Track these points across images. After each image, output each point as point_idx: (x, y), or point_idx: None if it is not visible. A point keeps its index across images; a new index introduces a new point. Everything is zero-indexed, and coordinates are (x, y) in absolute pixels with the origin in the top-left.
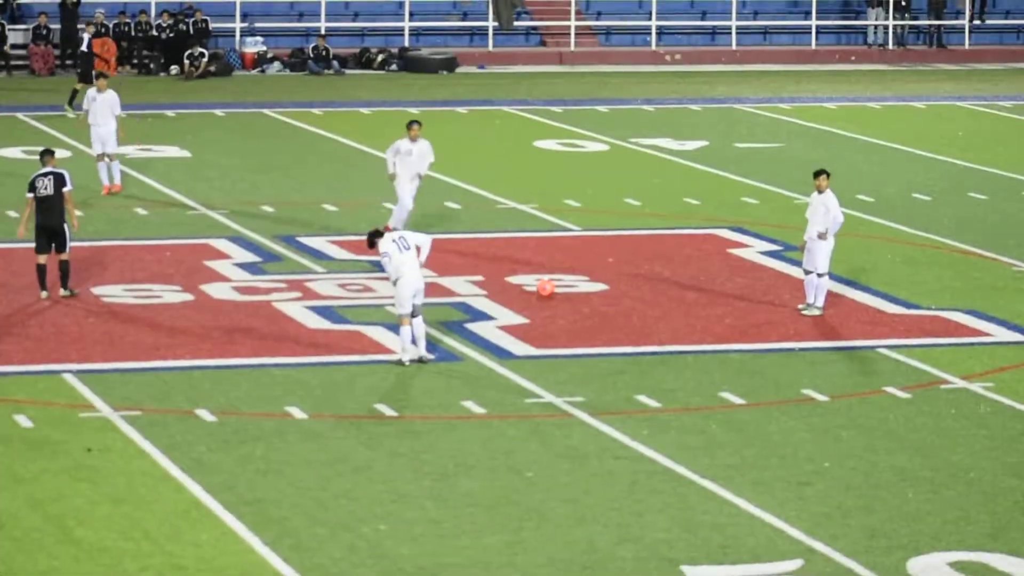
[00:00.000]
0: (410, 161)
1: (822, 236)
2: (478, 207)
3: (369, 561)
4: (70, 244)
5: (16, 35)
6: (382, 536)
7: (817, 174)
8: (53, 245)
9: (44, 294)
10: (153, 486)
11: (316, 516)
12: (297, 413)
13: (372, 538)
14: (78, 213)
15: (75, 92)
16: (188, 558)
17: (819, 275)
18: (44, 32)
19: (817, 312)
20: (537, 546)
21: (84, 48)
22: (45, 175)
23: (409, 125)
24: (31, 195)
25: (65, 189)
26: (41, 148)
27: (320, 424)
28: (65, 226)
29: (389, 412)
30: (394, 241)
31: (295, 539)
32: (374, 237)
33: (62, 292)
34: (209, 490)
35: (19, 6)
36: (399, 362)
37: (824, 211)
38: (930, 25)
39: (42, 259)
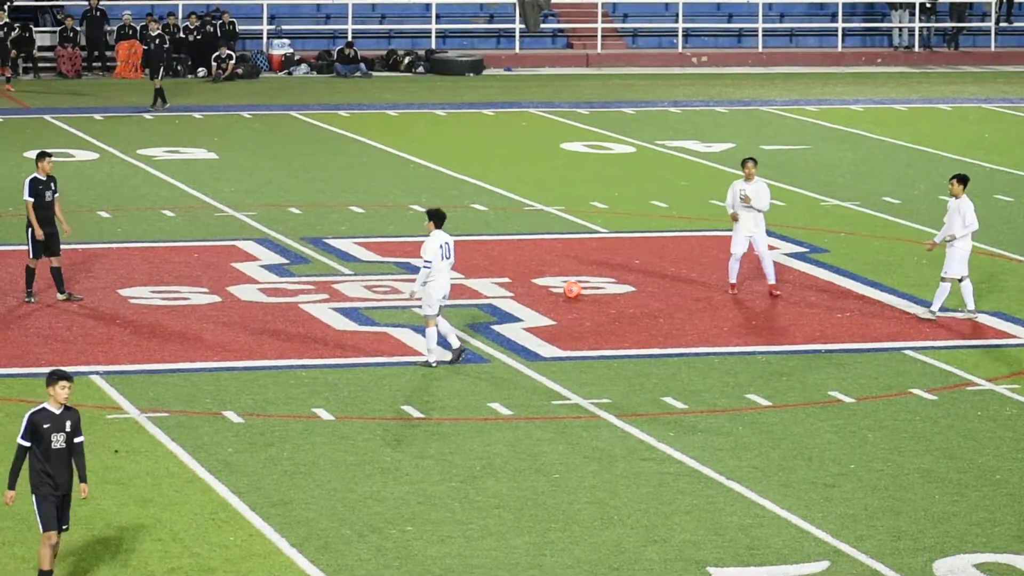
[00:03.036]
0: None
1: (949, 241)
2: (505, 209)
3: (396, 563)
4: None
5: (43, 37)
6: (409, 537)
7: (952, 179)
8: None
9: (34, 298)
10: (180, 488)
11: (343, 517)
12: (324, 415)
13: (399, 540)
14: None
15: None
16: (215, 559)
17: (959, 280)
18: (71, 34)
19: (969, 315)
20: (564, 548)
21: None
22: (47, 181)
23: (744, 163)
24: (31, 199)
25: (55, 195)
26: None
27: (347, 426)
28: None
29: (416, 414)
30: (440, 246)
31: (322, 540)
32: (436, 217)
33: (61, 296)
34: (236, 491)
35: (47, 9)
36: (426, 363)
37: (960, 217)
38: (952, 27)
39: (35, 263)
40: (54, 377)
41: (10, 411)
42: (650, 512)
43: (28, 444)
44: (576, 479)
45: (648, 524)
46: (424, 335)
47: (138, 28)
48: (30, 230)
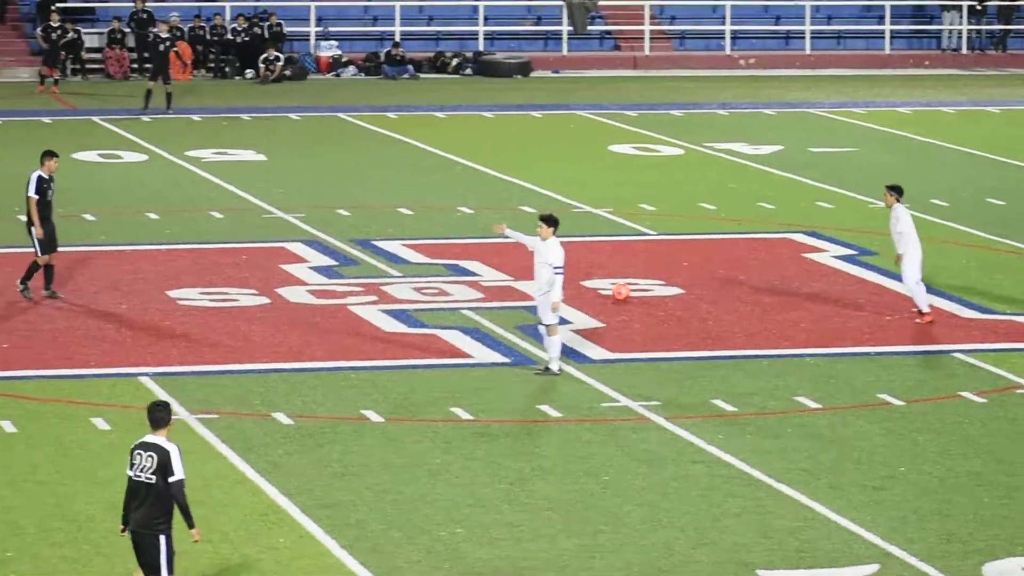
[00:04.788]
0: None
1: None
2: (553, 211)
3: (446, 564)
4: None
5: (92, 39)
6: (459, 539)
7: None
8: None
9: (29, 293)
10: (230, 489)
11: (393, 519)
12: (373, 416)
13: (449, 541)
14: (23, 218)
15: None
16: (265, 561)
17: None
18: (119, 36)
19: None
20: (614, 550)
21: (160, 48)
22: (50, 180)
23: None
24: (36, 197)
25: (53, 195)
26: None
27: (396, 427)
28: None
29: (465, 415)
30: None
31: (372, 542)
32: (553, 222)
33: (46, 292)
34: (286, 493)
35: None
36: (547, 370)
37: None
38: (1000, 30)
39: (47, 259)
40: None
41: (60, 412)
42: (699, 515)
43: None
44: (626, 481)
45: (698, 527)
46: (545, 344)
47: (185, 29)
48: (32, 228)
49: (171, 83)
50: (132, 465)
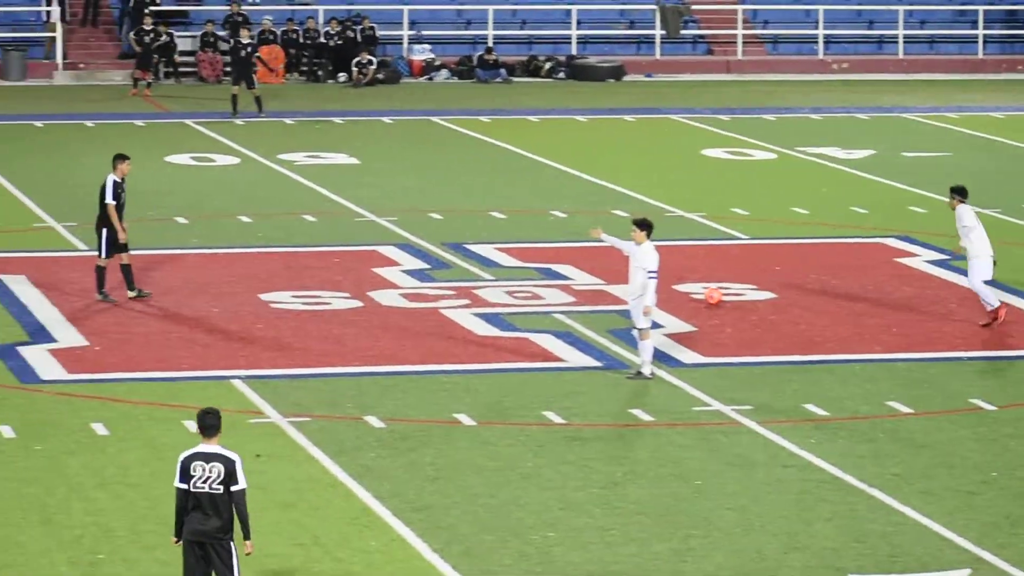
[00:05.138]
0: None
1: None
2: (646, 215)
3: (538, 568)
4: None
5: (184, 42)
6: (551, 543)
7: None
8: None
9: (110, 297)
10: (322, 492)
11: (485, 523)
12: (465, 420)
13: (541, 545)
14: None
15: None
16: (357, 564)
17: None
18: (212, 40)
19: None
20: (705, 554)
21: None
22: (123, 184)
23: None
24: (115, 202)
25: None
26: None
27: (488, 431)
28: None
29: (557, 419)
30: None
31: (464, 546)
32: (647, 227)
33: (131, 294)
34: (378, 496)
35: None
36: (639, 374)
37: None
38: None
39: (109, 262)
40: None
41: (152, 415)
42: (791, 519)
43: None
44: (717, 485)
45: (789, 531)
46: (639, 347)
47: (279, 33)
48: (105, 230)
49: (255, 87)
50: (191, 476)
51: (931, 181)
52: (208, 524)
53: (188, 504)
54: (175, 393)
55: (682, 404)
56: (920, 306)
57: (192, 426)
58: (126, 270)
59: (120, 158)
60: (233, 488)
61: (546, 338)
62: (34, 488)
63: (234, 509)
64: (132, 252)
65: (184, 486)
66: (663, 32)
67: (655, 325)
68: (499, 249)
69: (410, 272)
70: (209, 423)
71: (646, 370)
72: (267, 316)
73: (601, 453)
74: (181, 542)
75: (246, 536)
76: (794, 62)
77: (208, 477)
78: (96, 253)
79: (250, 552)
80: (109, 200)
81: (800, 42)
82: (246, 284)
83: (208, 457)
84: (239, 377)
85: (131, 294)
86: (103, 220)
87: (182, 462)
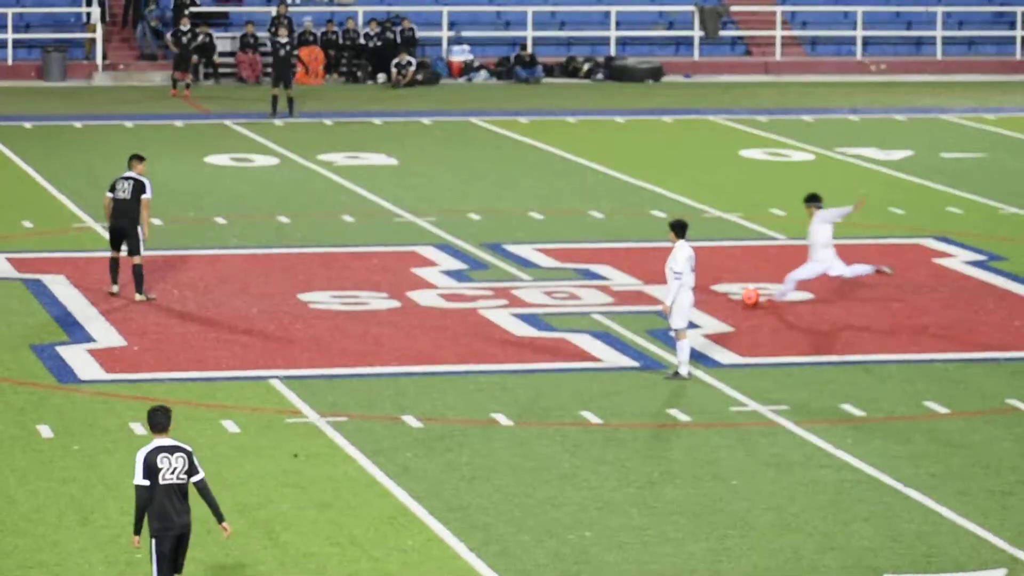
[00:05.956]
0: None
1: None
2: (683, 216)
3: (574, 568)
4: (143, 251)
5: (224, 43)
6: (587, 543)
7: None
8: (123, 246)
9: (115, 288)
10: (359, 492)
11: (521, 523)
12: (502, 420)
13: (577, 545)
14: (156, 222)
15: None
16: (393, 563)
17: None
18: (251, 40)
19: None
20: (741, 554)
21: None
22: (126, 179)
23: None
24: (110, 195)
25: (144, 196)
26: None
27: (525, 431)
28: (139, 230)
29: (594, 419)
30: (688, 258)
31: (501, 545)
32: (680, 228)
33: (137, 297)
34: (415, 496)
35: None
36: (676, 374)
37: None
38: None
39: (113, 254)
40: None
41: (189, 414)
42: (828, 519)
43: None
44: (754, 485)
45: (826, 531)
46: (676, 348)
47: (317, 35)
48: (140, 229)
49: (292, 88)
50: (159, 470)
51: (969, 182)
52: (185, 517)
53: (153, 499)
54: (213, 393)
55: (719, 404)
56: (957, 306)
57: (230, 426)
58: (137, 270)
59: (138, 158)
60: (195, 478)
61: (584, 338)
62: (71, 487)
63: (203, 497)
64: (173, 252)
65: (146, 482)
66: (702, 33)
67: (692, 325)
68: (537, 249)
69: (448, 272)
70: (161, 420)
71: (683, 370)
72: (305, 316)
73: (638, 453)
74: (152, 538)
75: (220, 519)
76: (832, 63)
77: (175, 467)
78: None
79: (229, 533)
80: (149, 195)
81: (838, 43)
82: (284, 284)
83: (171, 450)
84: (277, 377)
85: (139, 297)
86: (138, 218)
87: (145, 458)
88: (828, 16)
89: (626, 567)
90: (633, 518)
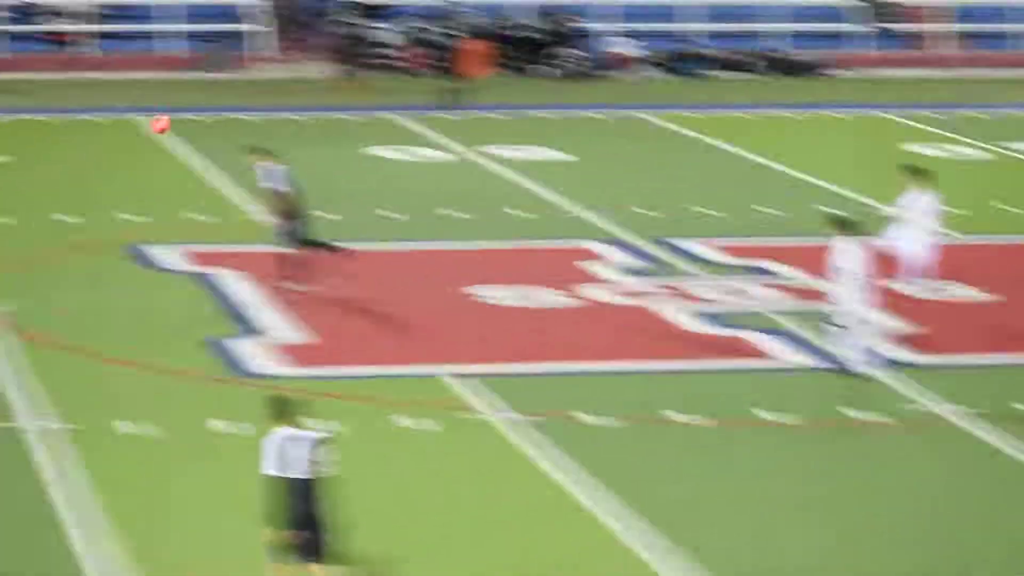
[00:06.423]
0: None
1: None
2: (856, 213)
3: (763, 563)
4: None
5: (390, 35)
6: (780, 540)
7: None
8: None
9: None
10: (533, 489)
11: (707, 519)
12: (676, 417)
13: (761, 542)
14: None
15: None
16: (575, 558)
17: None
18: (419, 32)
19: None
20: (914, 548)
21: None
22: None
23: None
24: (287, 189)
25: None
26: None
27: (700, 429)
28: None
29: (768, 417)
30: (855, 256)
31: (692, 546)
32: (845, 225)
33: (295, 287)
34: (589, 493)
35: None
36: (849, 372)
37: None
38: None
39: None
40: None
41: (358, 410)
42: (1011, 519)
43: None
44: (929, 484)
45: (1011, 534)
46: (848, 346)
47: (485, 27)
48: (294, 222)
49: (457, 80)
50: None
51: None
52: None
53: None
54: (381, 387)
55: (895, 403)
56: None
57: (400, 420)
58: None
59: (258, 151)
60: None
61: (757, 335)
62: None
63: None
64: (345, 246)
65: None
66: (865, 26)
67: (867, 324)
68: (711, 246)
69: (620, 268)
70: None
71: (858, 368)
72: (476, 312)
73: (814, 452)
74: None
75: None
76: (1006, 58)
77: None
78: (294, 248)
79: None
80: (286, 188)
81: (1014, 37)
82: (454, 278)
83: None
84: (448, 373)
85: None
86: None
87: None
88: (1004, 11)
89: (816, 559)
90: (815, 514)
